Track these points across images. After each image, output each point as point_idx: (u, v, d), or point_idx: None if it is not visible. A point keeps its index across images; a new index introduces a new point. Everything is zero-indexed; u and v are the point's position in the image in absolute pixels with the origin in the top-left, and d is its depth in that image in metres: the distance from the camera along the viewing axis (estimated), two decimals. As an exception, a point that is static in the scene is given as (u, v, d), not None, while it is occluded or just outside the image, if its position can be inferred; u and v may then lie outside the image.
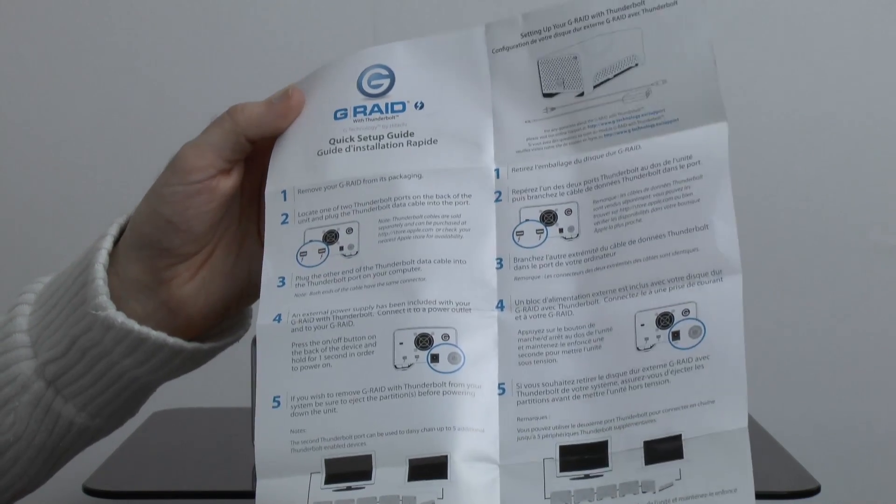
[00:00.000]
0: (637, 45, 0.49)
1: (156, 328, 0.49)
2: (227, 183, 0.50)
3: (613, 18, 0.49)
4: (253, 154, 0.51)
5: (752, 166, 1.13)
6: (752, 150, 1.13)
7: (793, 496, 0.76)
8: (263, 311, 0.47)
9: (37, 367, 0.49)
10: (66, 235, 1.10)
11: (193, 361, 0.51)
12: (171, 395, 0.94)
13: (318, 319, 0.46)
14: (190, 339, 0.50)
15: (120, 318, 0.48)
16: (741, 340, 0.44)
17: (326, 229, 0.48)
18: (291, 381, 0.45)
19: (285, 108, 0.50)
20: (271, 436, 0.45)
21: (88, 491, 0.74)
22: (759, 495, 0.79)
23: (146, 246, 0.49)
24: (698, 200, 0.46)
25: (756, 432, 0.94)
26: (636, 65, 0.49)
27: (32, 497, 0.56)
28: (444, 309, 0.46)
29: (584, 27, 0.50)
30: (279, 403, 0.45)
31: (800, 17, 1.14)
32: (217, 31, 1.15)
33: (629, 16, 0.49)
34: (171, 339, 0.49)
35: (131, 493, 0.76)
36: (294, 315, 0.47)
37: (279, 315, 0.47)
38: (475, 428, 0.44)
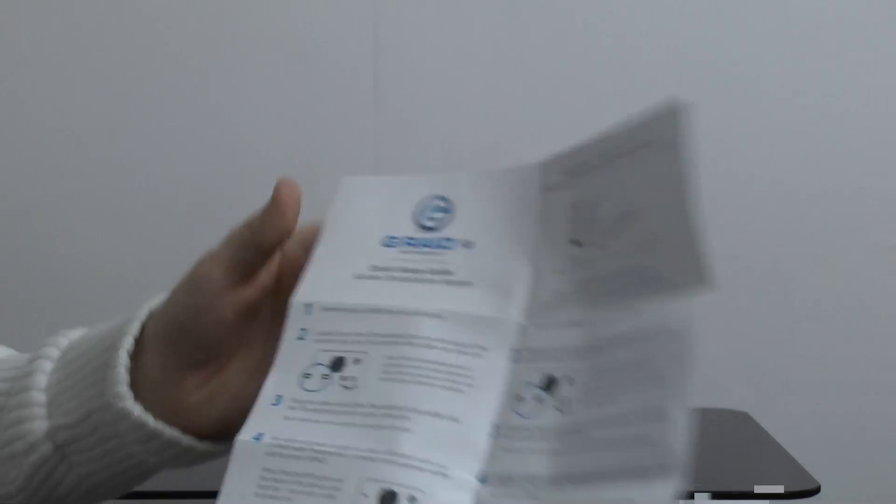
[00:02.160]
0: (637, 194, 0.45)
1: (169, 422, 0.49)
2: (244, 295, 0.49)
3: (618, 156, 0.46)
4: (287, 266, 0.50)
5: (753, 167, 1.13)
6: (754, 151, 1.13)
7: (793, 496, 0.76)
8: (248, 426, 0.46)
9: (49, 429, 0.49)
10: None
11: (206, 456, 0.51)
12: (171, 395, 0.94)
13: (296, 448, 0.45)
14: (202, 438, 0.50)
15: (136, 410, 0.48)
16: None
17: (337, 355, 0.47)
18: None
19: (279, 211, 0.48)
20: None
21: (88, 491, 0.74)
22: (759, 495, 0.79)
23: (161, 342, 0.49)
24: (663, 378, 0.43)
25: (756, 432, 0.94)
26: (635, 216, 0.45)
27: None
28: (420, 468, 0.44)
29: (603, 170, 0.47)
30: None
31: (803, 15, 1.14)
32: (214, 31, 1.15)
33: (631, 156, 0.45)
34: (185, 439, 0.49)
35: (131, 492, 0.76)
36: (275, 438, 0.46)
37: (261, 434, 0.46)
38: None
